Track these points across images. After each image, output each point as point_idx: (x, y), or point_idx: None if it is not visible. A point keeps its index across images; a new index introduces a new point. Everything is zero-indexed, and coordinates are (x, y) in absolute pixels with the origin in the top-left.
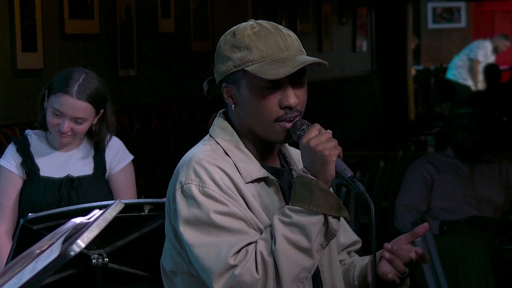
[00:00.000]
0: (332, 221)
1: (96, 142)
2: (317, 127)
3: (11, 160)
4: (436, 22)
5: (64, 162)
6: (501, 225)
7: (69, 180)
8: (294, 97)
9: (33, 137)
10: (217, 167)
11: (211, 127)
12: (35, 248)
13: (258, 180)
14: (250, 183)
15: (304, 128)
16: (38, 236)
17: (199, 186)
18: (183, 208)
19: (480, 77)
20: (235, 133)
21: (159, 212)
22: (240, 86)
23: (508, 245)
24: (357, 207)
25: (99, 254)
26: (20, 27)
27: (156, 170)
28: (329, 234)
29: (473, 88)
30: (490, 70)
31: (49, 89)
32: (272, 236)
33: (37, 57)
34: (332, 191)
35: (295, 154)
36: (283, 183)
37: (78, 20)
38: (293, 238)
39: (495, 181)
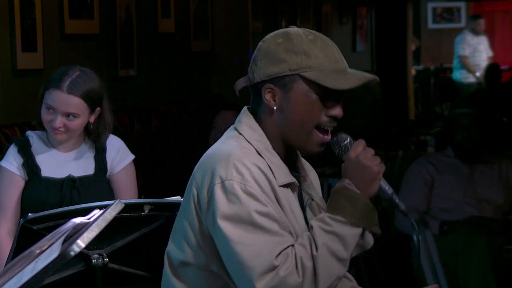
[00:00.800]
0: (368, 235)
1: (94, 141)
2: (363, 142)
3: (13, 161)
4: (436, 22)
5: (65, 162)
6: (501, 225)
7: (70, 180)
8: (340, 109)
9: (34, 138)
10: (257, 167)
11: (238, 123)
12: (35, 248)
13: (286, 185)
14: (281, 187)
15: (348, 142)
16: (38, 236)
17: (241, 183)
18: (223, 203)
19: (476, 70)
20: (264, 135)
21: (159, 212)
22: (289, 90)
23: (508, 245)
24: None
25: (99, 254)
26: (20, 27)
27: (156, 170)
28: (361, 247)
29: (475, 82)
30: (491, 70)
31: (45, 86)
32: (311, 242)
33: (37, 57)
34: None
35: (306, 163)
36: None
37: (78, 20)
38: (333, 247)
39: (495, 181)
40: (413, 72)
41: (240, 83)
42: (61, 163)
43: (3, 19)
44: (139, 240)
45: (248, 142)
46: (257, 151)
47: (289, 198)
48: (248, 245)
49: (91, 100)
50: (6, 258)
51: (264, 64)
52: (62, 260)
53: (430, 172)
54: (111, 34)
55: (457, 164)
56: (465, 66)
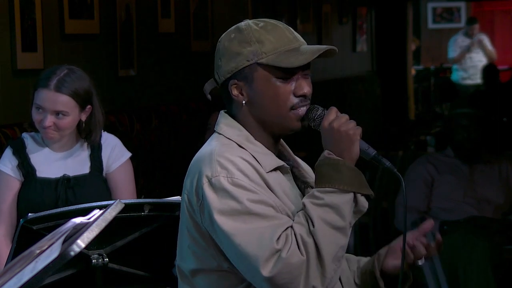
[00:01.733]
0: (360, 198)
1: (85, 139)
2: (334, 109)
3: (7, 163)
4: (436, 22)
5: (61, 162)
6: (501, 225)
7: (65, 180)
8: (307, 86)
9: (29, 139)
10: (241, 158)
11: (217, 125)
12: (35, 248)
13: (275, 169)
14: (269, 172)
15: (320, 113)
16: (38, 236)
17: (227, 177)
18: (214, 200)
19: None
20: (243, 128)
21: (159, 212)
22: (252, 81)
23: (508, 245)
24: None
25: (99, 254)
26: (20, 27)
27: (156, 170)
28: (357, 212)
29: (472, 83)
30: (488, 70)
31: (34, 87)
32: (307, 219)
33: (37, 57)
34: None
35: (293, 154)
36: (289, 176)
37: (78, 20)
38: (329, 219)
39: (495, 181)
40: (413, 72)
41: (208, 87)
42: (56, 163)
43: (3, 19)
44: (139, 240)
45: (228, 139)
46: (238, 145)
47: (281, 181)
48: (247, 235)
49: (80, 98)
50: (5, 260)
51: (224, 62)
52: (62, 260)
53: (430, 172)
54: (111, 34)
55: (457, 164)
56: (460, 60)
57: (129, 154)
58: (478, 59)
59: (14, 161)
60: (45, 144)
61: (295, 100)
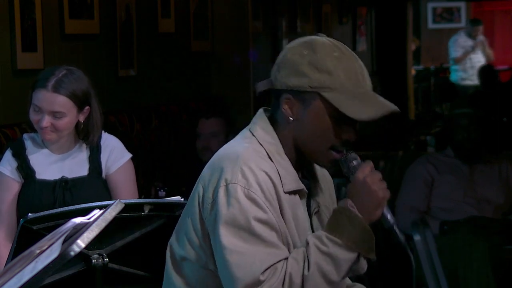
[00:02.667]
0: (362, 261)
1: (83, 140)
2: (371, 164)
3: (7, 165)
4: (436, 22)
5: (60, 164)
6: (501, 225)
7: (63, 182)
8: (354, 134)
9: (29, 141)
10: (264, 172)
11: (253, 125)
12: (35, 248)
13: (294, 191)
14: (287, 193)
15: (357, 163)
16: (38, 236)
17: (244, 188)
18: (223, 206)
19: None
20: (277, 138)
21: (159, 212)
22: (307, 106)
23: (508, 245)
24: None
25: (99, 254)
26: (20, 27)
27: (156, 170)
28: (354, 271)
29: (472, 84)
30: (485, 71)
31: (32, 87)
32: (304, 260)
33: (37, 57)
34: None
35: (318, 168)
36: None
37: (78, 20)
38: (325, 269)
39: (495, 181)
40: (413, 72)
41: (261, 86)
42: (55, 164)
43: (3, 19)
44: (139, 240)
45: (260, 144)
46: (268, 154)
47: (295, 205)
48: (239, 255)
49: (78, 99)
50: (4, 261)
51: (286, 74)
52: (62, 260)
53: (430, 172)
54: (111, 34)
55: (457, 164)
56: (461, 61)
57: (129, 155)
58: (477, 60)
59: (14, 163)
60: (45, 145)
61: (337, 142)
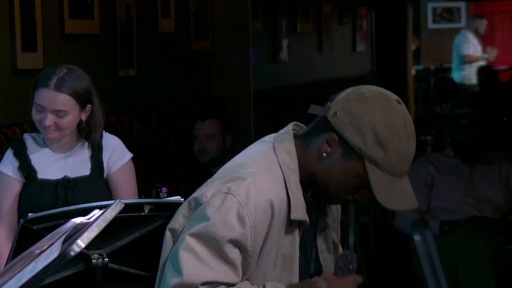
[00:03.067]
0: None
1: (85, 138)
2: (360, 281)
3: (8, 164)
4: (436, 22)
5: (61, 164)
6: (501, 225)
7: (65, 181)
8: (366, 199)
9: (30, 141)
10: (269, 202)
11: (278, 144)
12: (35, 248)
13: (297, 222)
14: (287, 223)
15: (353, 268)
16: (38, 236)
17: (241, 205)
18: (211, 209)
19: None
20: (297, 164)
21: (159, 212)
22: (347, 159)
23: (508, 245)
24: (356, 208)
25: (99, 254)
26: (20, 27)
27: (156, 170)
28: None
29: (476, 83)
30: (484, 72)
31: (33, 87)
32: None
33: (37, 57)
34: None
35: None
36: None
37: (78, 20)
38: None
39: (495, 181)
40: (413, 72)
41: (315, 110)
42: (56, 164)
43: (3, 19)
44: (139, 240)
45: (280, 166)
46: (284, 179)
47: (291, 233)
48: (195, 256)
49: (80, 97)
50: (5, 261)
51: (347, 121)
52: (62, 260)
53: (430, 172)
54: (111, 34)
55: (457, 164)
56: (473, 61)
57: (130, 155)
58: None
59: (15, 163)
60: (46, 145)
61: (350, 198)
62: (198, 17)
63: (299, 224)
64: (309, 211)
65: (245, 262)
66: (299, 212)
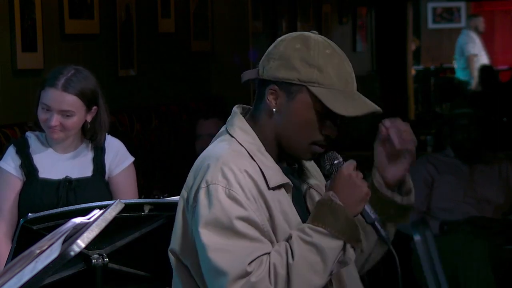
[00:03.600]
0: (349, 250)
1: (90, 140)
2: (354, 163)
3: (10, 162)
4: (436, 22)
5: (64, 164)
6: (501, 225)
7: (67, 182)
8: (335, 131)
9: (33, 139)
10: (245, 172)
11: (230, 126)
12: (35, 248)
13: (280, 186)
14: (272, 190)
15: (340, 161)
16: (38, 236)
17: (225, 188)
18: (204, 208)
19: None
20: (256, 137)
21: (159, 212)
22: (292, 99)
23: (508, 245)
24: None
25: (99, 254)
26: (20, 27)
27: (156, 170)
28: (343, 262)
29: (472, 85)
30: (484, 71)
31: (41, 86)
32: (287, 251)
33: (37, 57)
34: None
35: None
36: (292, 178)
37: (78, 20)
38: (310, 259)
39: (495, 181)
40: (413, 72)
41: (247, 75)
42: (58, 164)
43: (3, 19)
44: (139, 240)
45: (240, 144)
46: (249, 153)
47: (281, 200)
48: (223, 251)
49: (87, 98)
50: (5, 259)
51: (276, 66)
52: (62, 260)
53: (430, 172)
54: (111, 34)
55: (457, 164)
56: (471, 66)
57: (132, 159)
58: (485, 58)
59: (17, 160)
60: (49, 144)
61: (320, 137)
62: (198, 17)
63: (284, 188)
64: (290, 178)
65: (264, 235)
66: (276, 177)
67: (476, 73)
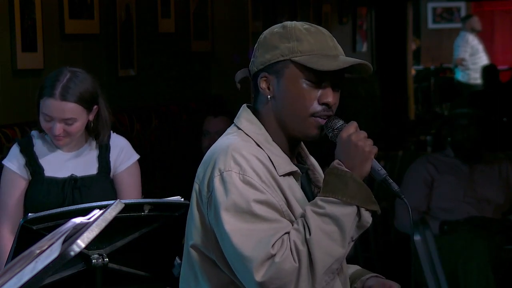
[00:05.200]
0: (364, 213)
1: (95, 138)
2: (355, 124)
3: (14, 160)
4: (436, 22)
5: (69, 162)
6: (501, 225)
7: (73, 180)
8: (333, 96)
9: (38, 138)
10: (255, 157)
11: (237, 119)
12: (35, 248)
13: (288, 174)
14: (282, 176)
15: (340, 125)
16: (38, 236)
17: (239, 173)
18: (221, 195)
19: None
20: (263, 127)
21: (159, 212)
22: (281, 77)
23: (508, 245)
24: None
25: (99, 254)
26: (20, 27)
27: (156, 170)
28: (360, 226)
29: (481, 83)
30: (488, 71)
31: (39, 94)
32: (304, 227)
33: (37, 57)
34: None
35: (311, 156)
36: (303, 179)
37: (78, 20)
38: (327, 229)
39: (495, 181)
40: (413, 72)
41: (239, 75)
42: (64, 163)
43: (3, 19)
44: (139, 240)
45: (247, 135)
46: (256, 143)
47: (292, 186)
48: (246, 236)
49: (86, 102)
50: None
51: (260, 53)
52: (62, 260)
53: (430, 172)
54: (111, 34)
55: (457, 164)
56: (460, 67)
57: (137, 156)
58: (484, 59)
59: (22, 160)
60: (54, 143)
61: (318, 108)
62: (198, 17)
63: (293, 176)
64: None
65: (283, 215)
66: (285, 165)
67: (479, 73)
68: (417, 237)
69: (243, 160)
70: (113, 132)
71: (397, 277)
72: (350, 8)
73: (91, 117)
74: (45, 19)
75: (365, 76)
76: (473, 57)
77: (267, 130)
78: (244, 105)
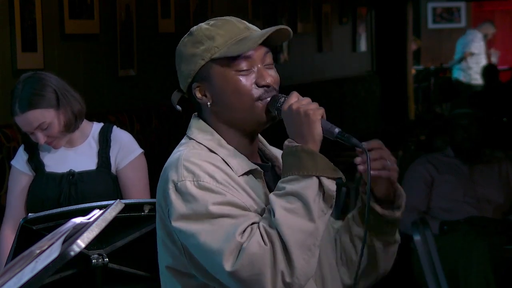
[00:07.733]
0: (326, 182)
1: (72, 131)
2: (295, 93)
3: (19, 159)
4: (436, 22)
5: (69, 158)
6: (501, 225)
7: (70, 175)
8: (269, 76)
9: None
10: (208, 162)
11: (188, 130)
12: (35, 248)
13: (247, 173)
14: (241, 176)
15: (283, 100)
16: (38, 236)
17: (193, 181)
18: (180, 206)
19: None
20: (215, 132)
21: None
22: (212, 79)
23: (508, 245)
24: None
25: (99, 254)
26: (20, 27)
27: (156, 170)
28: (327, 197)
29: (481, 83)
30: (488, 71)
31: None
32: (270, 211)
33: (37, 57)
34: (321, 154)
35: (276, 151)
36: (268, 178)
37: (78, 20)
38: (291, 207)
39: (495, 181)
40: (413, 72)
41: (175, 97)
42: (64, 158)
43: (3, 19)
44: (139, 240)
45: (199, 143)
46: (209, 149)
47: (253, 185)
48: (212, 233)
49: (47, 102)
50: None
51: (183, 68)
52: (62, 260)
53: (430, 172)
54: (111, 34)
55: (457, 164)
56: (467, 61)
57: (140, 151)
58: (484, 62)
59: (25, 156)
60: None
61: (259, 91)
62: (198, 17)
63: (253, 175)
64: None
65: (248, 210)
66: (242, 165)
67: (480, 73)
68: (417, 237)
69: (195, 166)
70: (117, 127)
71: (397, 277)
72: (350, 8)
73: (64, 113)
74: (45, 19)
75: (286, 41)
76: (478, 56)
77: (220, 135)
78: (194, 114)
